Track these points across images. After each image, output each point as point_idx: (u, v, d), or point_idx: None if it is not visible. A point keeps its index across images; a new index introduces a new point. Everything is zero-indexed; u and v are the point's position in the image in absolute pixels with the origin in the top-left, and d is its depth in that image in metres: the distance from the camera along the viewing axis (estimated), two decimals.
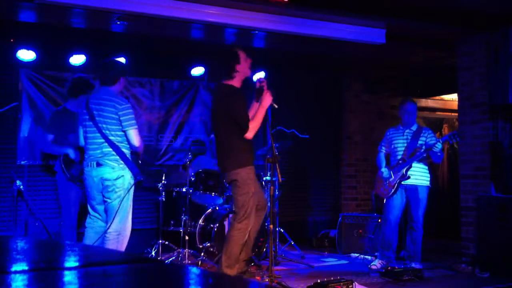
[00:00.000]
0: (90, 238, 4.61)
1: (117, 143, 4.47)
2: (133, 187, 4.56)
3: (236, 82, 4.69)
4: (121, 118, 4.46)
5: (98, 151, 4.47)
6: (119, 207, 4.45)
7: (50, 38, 6.10)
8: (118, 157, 4.46)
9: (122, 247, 4.52)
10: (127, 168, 4.49)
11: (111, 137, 4.46)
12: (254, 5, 5.09)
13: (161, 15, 4.91)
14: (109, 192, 4.48)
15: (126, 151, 4.52)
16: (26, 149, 6.10)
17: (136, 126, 4.54)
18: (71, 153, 5.27)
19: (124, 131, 4.49)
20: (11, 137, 6.08)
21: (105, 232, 4.50)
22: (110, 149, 4.45)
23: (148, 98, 6.81)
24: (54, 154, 5.42)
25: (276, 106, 4.65)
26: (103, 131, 4.45)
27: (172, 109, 6.96)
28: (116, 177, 4.45)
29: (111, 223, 4.46)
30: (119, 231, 4.50)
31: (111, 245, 4.45)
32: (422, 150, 5.60)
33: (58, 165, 5.35)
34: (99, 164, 4.46)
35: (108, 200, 4.50)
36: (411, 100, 5.86)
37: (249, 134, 4.56)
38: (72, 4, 4.62)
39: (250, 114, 4.67)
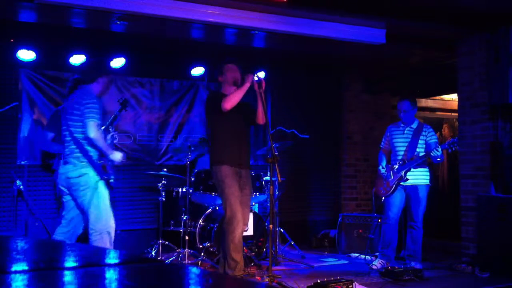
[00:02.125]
0: None
1: (81, 141, 4.48)
2: (102, 185, 4.51)
3: (223, 89, 4.94)
4: (84, 111, 4.44)
5: (66, 149, 4.53)
6: (89, 206, 4.44)
7: (50, 38, 6.10)
8: (81, 155, 4.46)
9: (108, 245, 4.49)
10: (90, 166, 4.47)
11: (75, 135, 4.49)
12: (254, 5, 5.09)
13: (161, 15, 4.91)
14: (74, 191, 4.48)
15: (91, 149, 4.50)
16: (26, 149, 6.10)
17: (98, 121, 4.46)
18: None
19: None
20: (11, 137, 6.07)
21: (89, 233, 4.50)
22: (75, 147, 4.48)
23: (148, 98, 6.81)
24: (54, 152, 5.43)
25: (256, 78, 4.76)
26: (70, 128, 4.51)
27: (172, 109, 6.96)
28: (79, 175, 4.44)
29: (87, 223, 4.49)
30: (99, 231, 4.45)
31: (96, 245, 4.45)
32: (421, 154, 5.60)
33: (56, 164, 5.35)
34: (65, 162, 4.51)
35: (78, 200, 4.51)
36: (405, 98, 5.85)
37: (224, 105, 4.67)
38: (72, 4, 4.62)
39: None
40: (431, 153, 5.46)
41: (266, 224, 5.98)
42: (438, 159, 5.52)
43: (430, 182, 5.77)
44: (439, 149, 5.45)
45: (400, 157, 5.76)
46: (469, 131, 6.05)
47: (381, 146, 6.06)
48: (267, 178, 6.08)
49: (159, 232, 6.03)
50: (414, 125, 5.80)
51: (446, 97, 8.87)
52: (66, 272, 1.37)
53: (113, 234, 4.56)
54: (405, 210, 5.84)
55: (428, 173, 5.75)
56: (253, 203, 6.20)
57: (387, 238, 5.81)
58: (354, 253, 6.60)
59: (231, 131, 4.82)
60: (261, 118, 4.84)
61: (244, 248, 5.50)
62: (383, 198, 5.85)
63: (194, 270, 1.39)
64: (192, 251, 5.77)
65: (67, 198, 4.59)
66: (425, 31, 5.95)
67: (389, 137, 5.95)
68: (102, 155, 4.57)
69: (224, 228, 4.73)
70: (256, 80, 4.70)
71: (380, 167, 5.86)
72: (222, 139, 4.82)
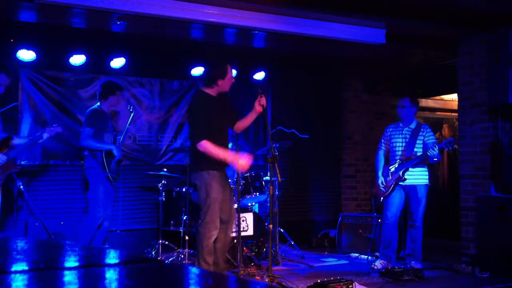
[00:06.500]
0: None
1: None
2: None
3: (213, 92, 4.73)
4: None
5: None
6: None
7: (50, 38, 6.10)
8: None
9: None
10: None
11: None
12: (254, 5, 5.09)
13: (161, 15, 4.91)
14: None
15: None
16: (26, 149, 6.09)
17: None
18: (114, 150, 5.46)
19: None
20: None
21: None
22: None
23: (148, 98, 6.81)
24: (93, 148, 5.43)
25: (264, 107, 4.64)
26: None
27: (172, 109, 6.96)
28: None
29: None
30: None
31: None
32: (419, 154, 5.60)
33: (90, 161, 5.39)
34: None
35: None
36: (406, 96, 5.87)
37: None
38: (72, 4, 4.62)
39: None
40: (428, 153, 5.47)
41: (266, 224, 5.98)
42: (435, 159, 5.53)
43: (429, 181, 5.76)
44: (436, 149, 5.45)
45: (398, 157, 5.76)
46: (469, 131, 6.05)
47: (379, 146, 6.04)
48: (267, 178, 6.07)
49: (159, 232, 6.03)
50: (413, 125, 5.80)
51: (446, 97, 8.87)
52: (66, 272, 1.37)
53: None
54: (405, 210, 5.84)
55: (427, 173, 5.74)
56: (253, 203, 6.21)
57: (387, 238, 5.81)
58: (354, 253, 6.60)
59: (219, 135, 4.68)
60: (240, 128, 4.84)
61: (244, 248, 5.51)
62: (382, 198, 5.86)
63: (194, 270, 1.40)
64: (192, 251, 5.77)
65: None
66: (425, 31, 5.95)
67: (388, 137, 5.96)
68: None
69: (200, 231, 4.60)
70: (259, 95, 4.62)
71: (379, 182, 5.85)
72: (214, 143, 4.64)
